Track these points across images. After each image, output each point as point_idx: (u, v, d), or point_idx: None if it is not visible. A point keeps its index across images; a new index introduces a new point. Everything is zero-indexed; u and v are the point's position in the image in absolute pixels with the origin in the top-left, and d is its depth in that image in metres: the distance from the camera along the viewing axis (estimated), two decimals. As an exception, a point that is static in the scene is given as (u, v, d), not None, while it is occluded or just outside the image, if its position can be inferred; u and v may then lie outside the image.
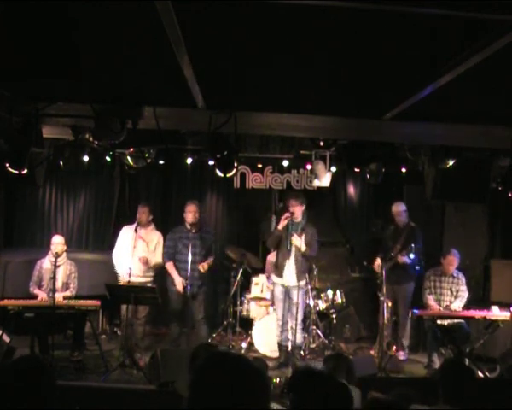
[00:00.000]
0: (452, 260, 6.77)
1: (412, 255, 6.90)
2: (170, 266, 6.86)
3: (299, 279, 6.69)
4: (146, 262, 6.71)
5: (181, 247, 6.80)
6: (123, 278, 6.77)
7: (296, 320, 6.59)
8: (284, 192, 8.76)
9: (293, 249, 6.71)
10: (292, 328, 6.65)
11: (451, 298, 6.76)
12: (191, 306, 6.79)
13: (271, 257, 8.03)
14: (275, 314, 7.27)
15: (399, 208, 7.38)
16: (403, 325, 7.31)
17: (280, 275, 6.80)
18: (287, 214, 6.65)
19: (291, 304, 6.70)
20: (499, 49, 3.05)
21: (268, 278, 7.69)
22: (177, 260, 6.85)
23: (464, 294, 6.79)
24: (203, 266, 6.78)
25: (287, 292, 6.77)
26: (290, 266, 6.71)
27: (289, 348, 6.67)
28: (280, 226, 6.69)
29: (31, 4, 2.81)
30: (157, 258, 6.87)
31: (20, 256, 7.53)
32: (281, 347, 6.85)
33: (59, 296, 6.41)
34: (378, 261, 7.26)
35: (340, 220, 8.95)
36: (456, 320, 6.63)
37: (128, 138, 5.08)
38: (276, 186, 8.66)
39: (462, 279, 6.84)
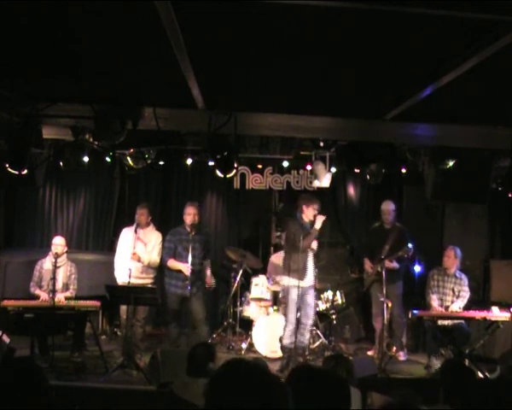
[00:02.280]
0: (451, 254, 6.80)
1: (410, 254, 6.95)
2: (171, 262, 6.82)
3: (314, 278, 6.82)
4: (139, 259, 6.69)
5: (180, 249, 6.78)
6: (122, 283, 6.74)
7: (309, 320, 6.70)
8: (284, 193, 8.78)
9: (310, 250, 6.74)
10: (304, 329, 6.70)
11: (453, 298, 6.76)
12: (191, 306, 6.78)
13: (274, 259, 8.04)
14: (275, 315, 7.29)
15: (389, 207, 7.39)
16: (400, 325, 7.31)
17: (301, 277, 6.60)
18: (323, 217, 6.62)
19: (306, 305, 6.68)
20: (499, 49, 3.06)
21: (268, 278, 7.69)
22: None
23: (466, 294, 6.79)
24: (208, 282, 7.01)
25: (302, 293, 6.64)
26: (310, 267, 6.70)
27: (295, 350, 6.66)
28: (318, 226, 6.60)
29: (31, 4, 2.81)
30: (153, 257, 6.82)
31: (20, 257, 7.53)
32: (285, 349, 6.73)
33: (61, 296, 6.41)
34: (368, 262, 7.31)
35: (340, 221, 8.94)
36: (456, 321, 6.64)
37: (128, 139, 5.07)
38: (276, 187, 8.67)
39: (465, 280, 6.84)
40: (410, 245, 6.93)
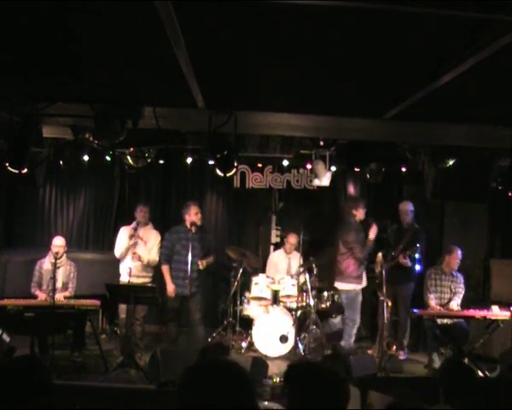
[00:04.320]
0: (457, 255, 6.84)
1: (417, 255, 6.98)
2: (165, 270, 6.86)
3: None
4: (139, 258, 6.70)
5: (179, 248, 6.79)
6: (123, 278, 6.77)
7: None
8: (284, 192, 8.77)
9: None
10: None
11: (451, 295, 6.83)
12: (189, 305, 6.80)
13: (273, 257, 8.05)
14: (275, 314, 7.28)
15: (407, 207, 7.41)
16: (403, 326, 7.33)
17: (361, 282, 7.23)
18: (376, 228, 7.08)
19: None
20: (499, 49, 3.06)
21: (268, 277, 7.70)
22: (175, 261, 6.83)
23: (462, 291, 6.88)
24: (202, 263, 6.77)
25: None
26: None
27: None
28: (372, 237, 7.06)
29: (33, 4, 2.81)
30: (152, 255, 6.84)
31: (20, 256, 7.53)
32: (345, 349, 7.07)
33: (60, 296, 6.41)
34: (380, 257, 7.30)
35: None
36: (455, 319, 6.67)
37: (128, 138, 5.07)
38: (276, 186, 8.66)
39: (461, 278, 6.93)
40: (417, 245, 6.97)
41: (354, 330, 7.16)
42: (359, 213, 7.19)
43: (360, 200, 7.39)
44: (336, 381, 2.28)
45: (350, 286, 7.14)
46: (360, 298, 7.23)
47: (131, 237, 6.70)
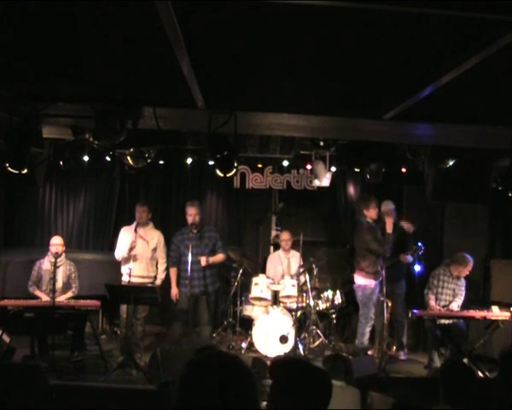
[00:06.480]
0: (470, 268, 6.82)
1: (421, 252, 7.01)
2: (172, 273, 6.92)
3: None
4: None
5: (183, 248, 6.81)
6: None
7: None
8: (284, 192, 8.77)
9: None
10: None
11: (451, 297, 6.84)
12: (197, 306, 6.81)
13: (272, 258, 8.06)
14: (275, 314, 7.28)
15: (390, 207, 7.35)
16: (401, 324, 7.34)
17: (378, 276, 6.98)
18: (391, 219, 6.98)
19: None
20: (499, 49, 3.06)
21: (268, 277, 7.70)
22: (182, 262, 6.86)
23: (463, 293, 6.89)
24: (203, 260, 6.75)
25: (378, 290, 7.02)
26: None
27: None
28: (390, 230, 6.91)
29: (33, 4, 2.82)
30: (158, 255, 6.87)
31: (20, 256, 7.53)
32: (361, 348, 7.00)
33: (62, 299, 6.42)
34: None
35: (340, 221, 8.95)
36: (454, 320, 6.68)
37: (128, 139, 5.07)
38: (276, 186, 8.67)
39: (463, 282, 6.93)
40: (419, 244, 6.98)
41: (367, 329, 7.06)
42: (370, 213, 7.03)
43: (371, 199, 7.16)
44: (319, 377, 2.27)
45: (366, 281, 7.03)
46: (375, 296, 7.04)
47: (131, 249, 6.67)
